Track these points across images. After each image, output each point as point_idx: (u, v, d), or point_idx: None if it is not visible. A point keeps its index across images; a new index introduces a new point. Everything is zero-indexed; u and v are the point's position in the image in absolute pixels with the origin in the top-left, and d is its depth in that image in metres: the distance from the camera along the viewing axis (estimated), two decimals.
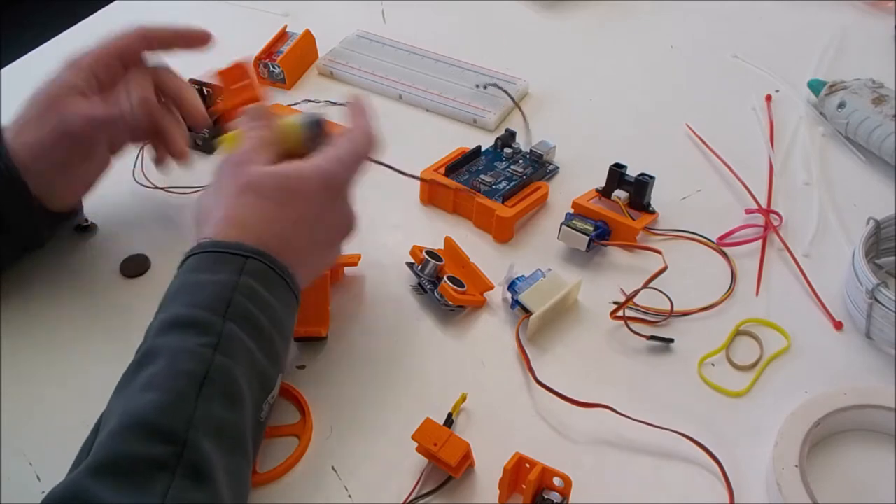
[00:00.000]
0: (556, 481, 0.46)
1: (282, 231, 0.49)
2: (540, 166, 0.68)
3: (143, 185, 0.67)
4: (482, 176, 0.66)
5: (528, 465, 0.47)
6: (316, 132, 0.55)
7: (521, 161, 0.69)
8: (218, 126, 0.66)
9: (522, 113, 0.75)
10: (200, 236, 0.49)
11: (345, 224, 0.54)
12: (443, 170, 0.66)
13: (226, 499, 0.40)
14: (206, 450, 0.40)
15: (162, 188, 0.67)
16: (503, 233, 0.63)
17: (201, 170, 0.66)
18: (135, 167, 0.66)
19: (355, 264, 0.60)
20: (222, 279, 0.46)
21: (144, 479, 0.38)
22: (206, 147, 0.70)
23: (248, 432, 0.44)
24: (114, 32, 0.59)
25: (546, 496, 0.46)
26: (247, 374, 0.44)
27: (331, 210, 0.52)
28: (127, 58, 0.59)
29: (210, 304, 0.45)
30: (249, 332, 0.45)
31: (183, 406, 0.41)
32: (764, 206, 0.65)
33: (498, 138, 0.70)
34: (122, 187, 0.66)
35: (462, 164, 0.67)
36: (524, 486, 0.46)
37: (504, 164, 0.68)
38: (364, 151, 0.54)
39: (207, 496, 0.39)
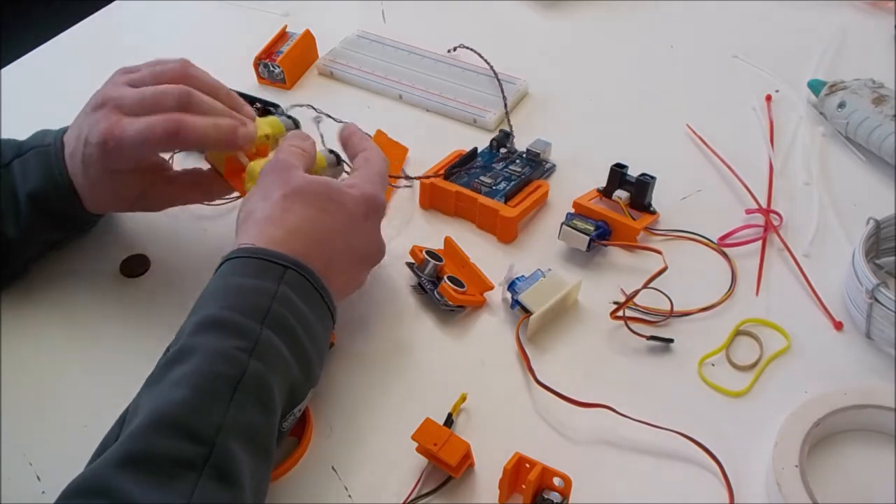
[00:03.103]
0: (556, 481, 0.46)
1: (322, 242, 0.50)
2: (537, 165, 0.68)
3: None
4: (481, 177, 0.66)
5: (528, 465, 0.47)
6: (335, 164, 0.59)
7: (517, 161, 0.69)
8: None
9: (506, 105, 0.75)
10: (242, 239, 0.49)
11: (376, 248, 0.55)
12: (442, 173, 0.66)
13: (249, 501, 0.40)
14: (235, 452, 0.40)
15: None
16: (508, 233, 0.63)
17: None
18: None
19: None
20: (262, 286, 0.46)
21: (171, 477, 0.38)
22: None
23: (274, 439, 0.44)
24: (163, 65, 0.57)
25: (546, 496, 0.46)
26: (279, 382, 0.44)
27: (367, 231, 0.53)
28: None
29: (248, 308, 0.45)
30: (286, 341, 0.45)
31: (215, 407, 0.41)
32: (764, 206, 0.65)
33: (493, 139, 0.70)
34: None
35: (459, 167, 0.67)
36: (524, 486, 0.46)
37: (501, 165, 0.68)
38: (385, 172, 0.56)
39: (232, 498, 0.39)
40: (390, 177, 0.64)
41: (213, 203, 0.65)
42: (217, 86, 0.58)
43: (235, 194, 0.64)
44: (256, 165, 0.55)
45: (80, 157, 0.55)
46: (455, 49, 0.79)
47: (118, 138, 0.53)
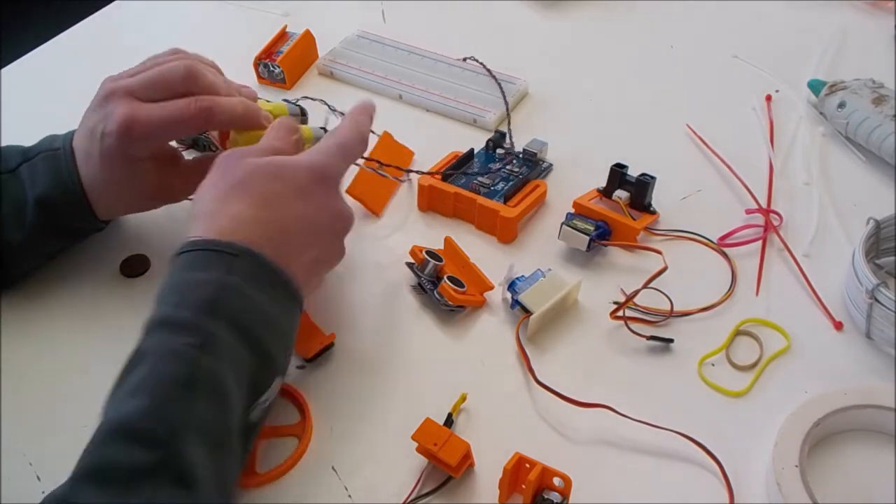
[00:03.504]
0: (556, 481, 0.47)
1: (274, 226, 0.49)
2: (534, 165, 0.68)
3: None
4: (479, 178, 0.66)
5: (528, 465, 0.47)
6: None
7: (514, 161, 0.69)
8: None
9: (507, 106, 0.75)
10: (192, 232, 0.48)
11: (337, 214, 0.53)
12: (440, 175, 0.66)
13: (213, 500, 0.40)
14: (191, 453, 0.40)
15: (190, 199, 0.66)
16: (508, 233, 0.63)
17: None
18: None
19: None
20: (210, 278, 0.45)
21: (129, 486, 0.38)
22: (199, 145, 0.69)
23: (233, 433, 0.43)
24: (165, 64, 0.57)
25: (546, 496, 0.46)
26: (235, 374, 0.44)
27: (321, 198, 0.51)
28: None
29: (197, 303, 0.44)
30: (237, 331, 0.44)
31: (167, 409, 0.40)
32: (764, 206, 0.65)
33: (489, 140, 0.70)
34: None
35: (457, 168, 0.67)
36: (524, 486, 0.46)
37: (498, 165, 0.68)
38: (352, 146, 0.54)
39: (193, 498, 0.39)
40: (397, 168, 0.64)
41: None
42: (215, 66, 0.59)
43: None
44: (251, 138, 0.56)
45: (97, 153, 0.55)
46: (465, 60, 0.79)
47: (143, 122, 0.53)
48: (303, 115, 0.62)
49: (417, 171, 0.66)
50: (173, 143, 0.62)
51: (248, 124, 0.57)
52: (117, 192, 0.57)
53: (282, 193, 0.50)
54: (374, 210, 0.66)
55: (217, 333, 0.44)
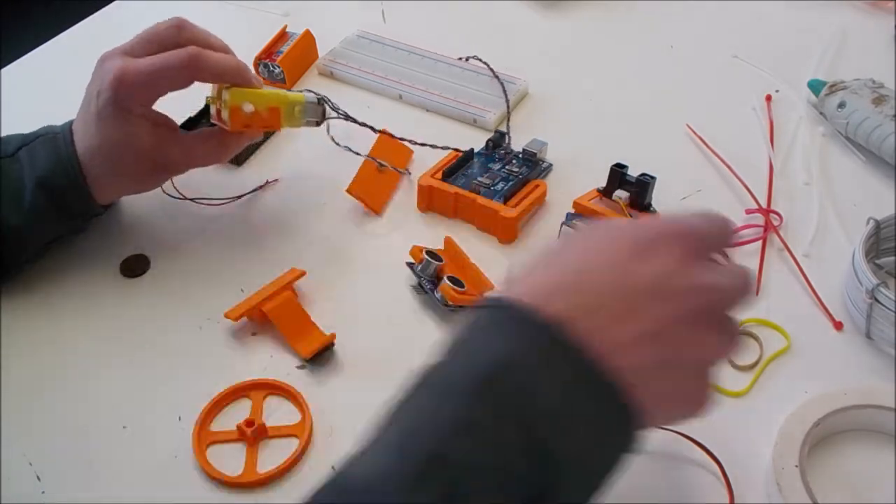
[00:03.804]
0: None
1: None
2: (534, 165, 0.68)
3: (170, 196, 0.65)
4: (479, 178, 0.66)
5: None
6: (315, 102, 0.61)
7: (514, 161, 0.68)
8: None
9: (508, 106, 0.75)
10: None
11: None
12: (439, 175, 0.66)
13: None
14: None
15: (190, 199, 0.66)
16: (508, 233, 0.63)
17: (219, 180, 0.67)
18: None
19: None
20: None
21: None
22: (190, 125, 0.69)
23: None
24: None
25: None
26: None
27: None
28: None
29: None
30: None
31: None
32: (764, 206, 0.65)
33: (489, 140, 0.70)
34: None
35: (457, 169, 0.67)
36: None
37: (498, 165, 0.68)
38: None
39: None
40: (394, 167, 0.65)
41: (213, 203, 0.65)
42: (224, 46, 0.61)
43: (237, 193, 0.64)
44: (242, 95, 0.58)
45: (93, 114, 0.56)
46: (467, 59, 0.79)
47: (134, 72, 0.55)
48: (319, 104, 0.62)
49: (423, 145, 0.66)
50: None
51: (237, 79, 0.58)
52: (114, 160, 0.57)
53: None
54: (375, 209, 0.66)
55: None
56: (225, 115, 0.58)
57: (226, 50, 0.60)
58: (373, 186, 0.66)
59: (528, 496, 0.32)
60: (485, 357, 0.34)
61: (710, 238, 0.40)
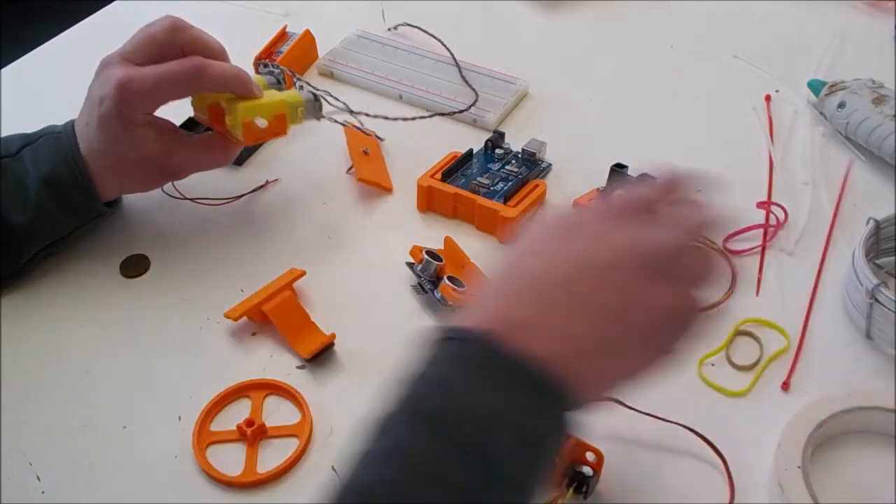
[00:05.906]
0: (589, 455, 0.47)
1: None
2: (534, 165, 0.68)
3: (170, 196, 0.66)
4: (478, 179, 0.66)
5: None
6: (312, 100, 0.61)
7: (513, 161, 0.68)
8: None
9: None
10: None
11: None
12: (439, 175, 0.66)
13: None
14: None
15: (190, 199, 0.66)
16: (508, 233, 0.63)
17: (219, 180, 0.67)
18: None
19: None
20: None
21: None
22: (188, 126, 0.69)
23: None
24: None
25: (578, 469, 0.47)
26: None
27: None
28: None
29: None
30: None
31: None
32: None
33: (488, 140, 0.70)
34: None
35: (456, 169, 0.67)
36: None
37: (497, 165, 0.68)
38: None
39: None
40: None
41: (213, 203, 0.65)
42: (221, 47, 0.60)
43: (237, 193, 0.64)
44: (244, 109, 0.57)
45: (96, 118, 0.56)
46: (396, 28, 0.82)
47: (139, 81, 0.54)
48: (316, 101, 0.62)
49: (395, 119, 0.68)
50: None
51: (239, 89, 0.57)
52: (118, 164, 0.58)
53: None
54: (387, 186, 0.67)
55: None
56: (238, 133, 0.58)
57: (222, 51, 0.60)
58: (373, 167, 0.67)
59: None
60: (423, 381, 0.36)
61: (638, 198, 0.41)
